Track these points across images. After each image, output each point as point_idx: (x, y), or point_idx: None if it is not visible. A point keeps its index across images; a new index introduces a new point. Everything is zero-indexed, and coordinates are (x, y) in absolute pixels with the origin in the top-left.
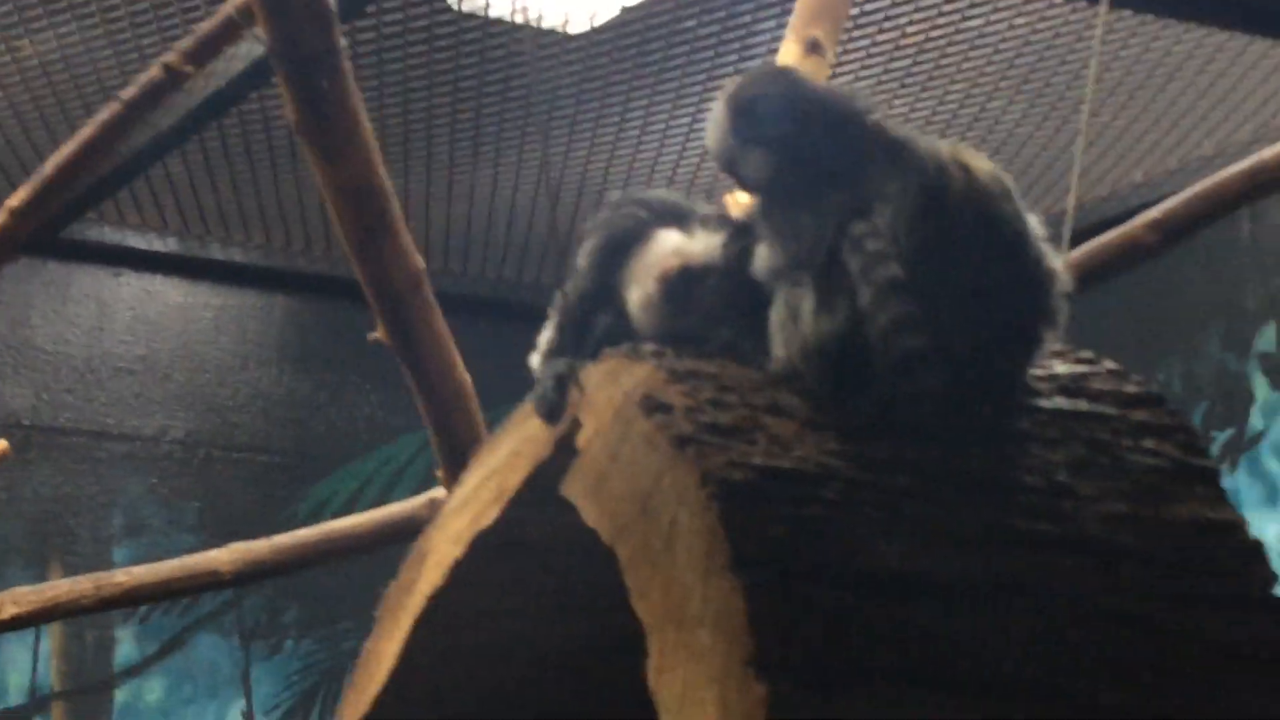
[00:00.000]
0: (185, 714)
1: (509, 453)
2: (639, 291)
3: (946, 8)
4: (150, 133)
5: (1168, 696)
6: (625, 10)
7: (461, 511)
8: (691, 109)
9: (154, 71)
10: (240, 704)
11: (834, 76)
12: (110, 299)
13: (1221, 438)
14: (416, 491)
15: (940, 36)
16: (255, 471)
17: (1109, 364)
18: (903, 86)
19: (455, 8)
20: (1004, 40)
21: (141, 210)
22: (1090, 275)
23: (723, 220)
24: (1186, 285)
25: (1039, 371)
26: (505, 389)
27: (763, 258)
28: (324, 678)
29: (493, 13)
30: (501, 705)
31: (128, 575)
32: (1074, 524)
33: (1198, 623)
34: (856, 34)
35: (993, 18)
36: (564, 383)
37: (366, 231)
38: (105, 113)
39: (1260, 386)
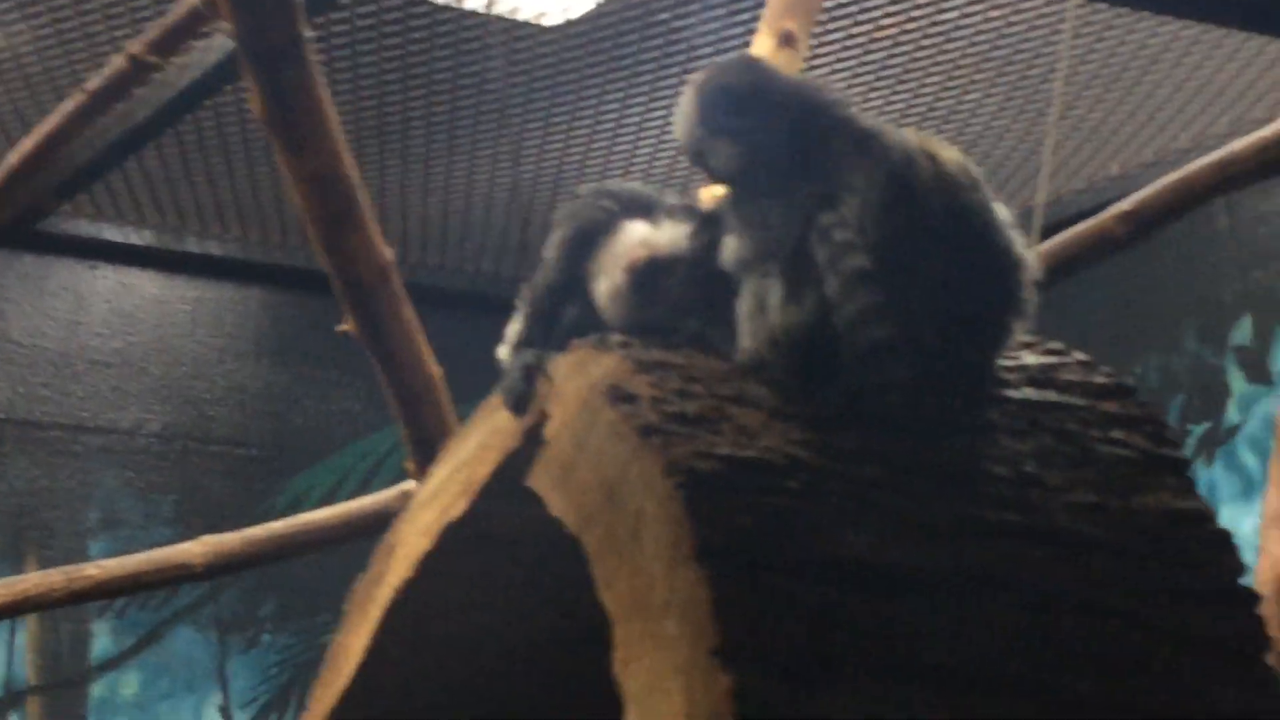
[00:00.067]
0: (162, 708)
1: (477, 445)
2: (607, 283)
3: (921, 0)
4: (126, 125)
5: (1138, 687)
6: (600, 3)
7: (430, 504)
8: (667, 102)
9: (119, 62)
10: (217, 698)
11: (809, 70)
12: (87, 292)
13: (1198, 431)
14: (394, 485)
15: (915, 29)
16: (232, 465)
17: (1078, 355)
18: (878, 79)
19: (430, 0)
20: (979, 33)
21: (118, 203)
22: (1061, 267)
23: (689, 211)
24: (1163, 279)
25: (1008, 362)
26: (483, 382)
27: (731, 248)
28: (301, 671)
29: (467, 5)
30: (471, 698)
31: (99, 568)
32: (1042, 515)
33: (1167, 613)
34: (831, 26)
35: (968, 10)
36: (532, 374)
37: (333, 222)
38: (70, 103)
39: (1236, 380)
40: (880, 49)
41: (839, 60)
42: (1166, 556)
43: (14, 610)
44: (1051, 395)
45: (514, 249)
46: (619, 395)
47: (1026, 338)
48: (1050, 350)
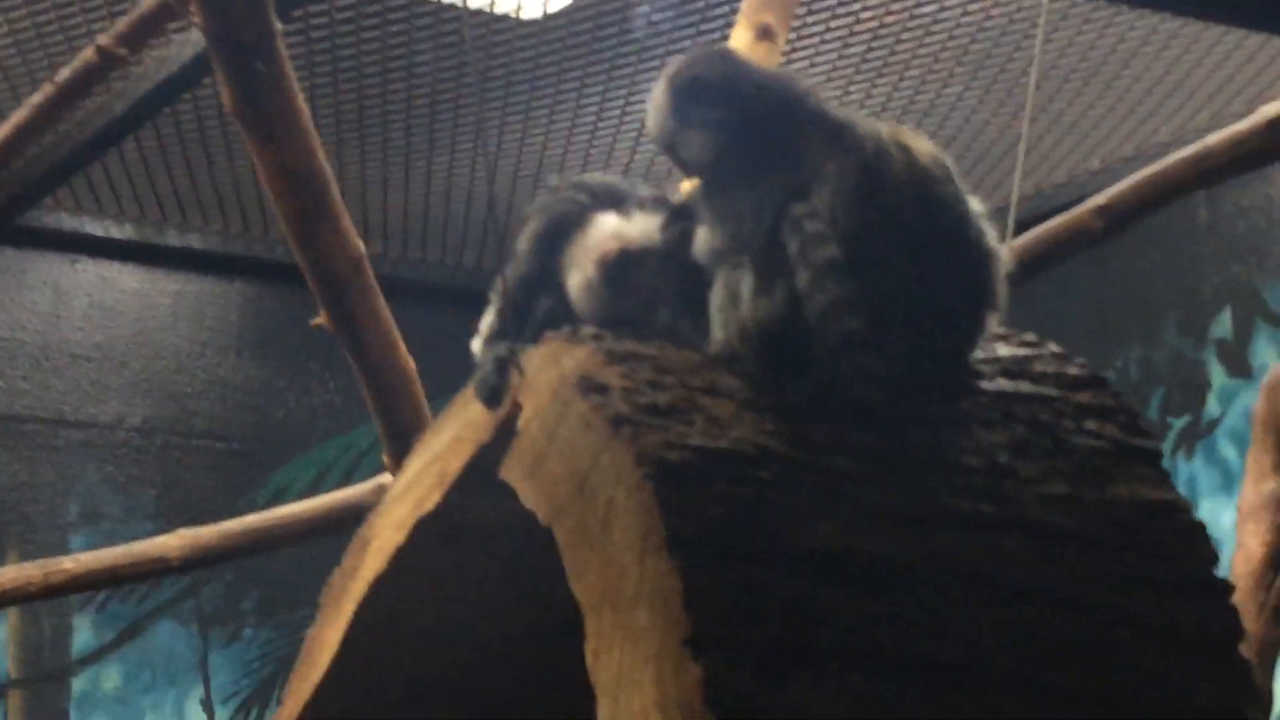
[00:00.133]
0: (143, 702)
1: (451, 438)
2: (579, 275)
3: None
4: (106, 119)
5: (1112, 678)
6: None
7: (404, 497)
8: (646, 95)
9: (88, 54)
10: (199, 692)
11: (788, 63)
12: (67, 286)
13: (1178, 424)
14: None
15: (894, 23)
16: (214, 459)
17: (1052, 347)
18: (857, 73)
19: None
20: (958, 26)
21: (98, 197)
22: (1037, 261)
23: (661, 202)
24: (1143, 272)
25: (982, 354)
26: (459, 375)
27: (703, 240)
28: (283, 665)
29: None
30: (446, 691)
31: (75, 562)
32: (1015, 506)
33: (1141, 604)
34: (810, 20)
35: (946, 3)
36: (505, 366)
37: (305, 215)
38: (38, 96)
39: (1216, 373)
40: (859, 43)
41: (817, 54)
42: (1140, 547)
43: None
44: (1025, 386)
45: (494, 243)
46: (590, 386)
47: (1001, 330)
48: (1024, 342)
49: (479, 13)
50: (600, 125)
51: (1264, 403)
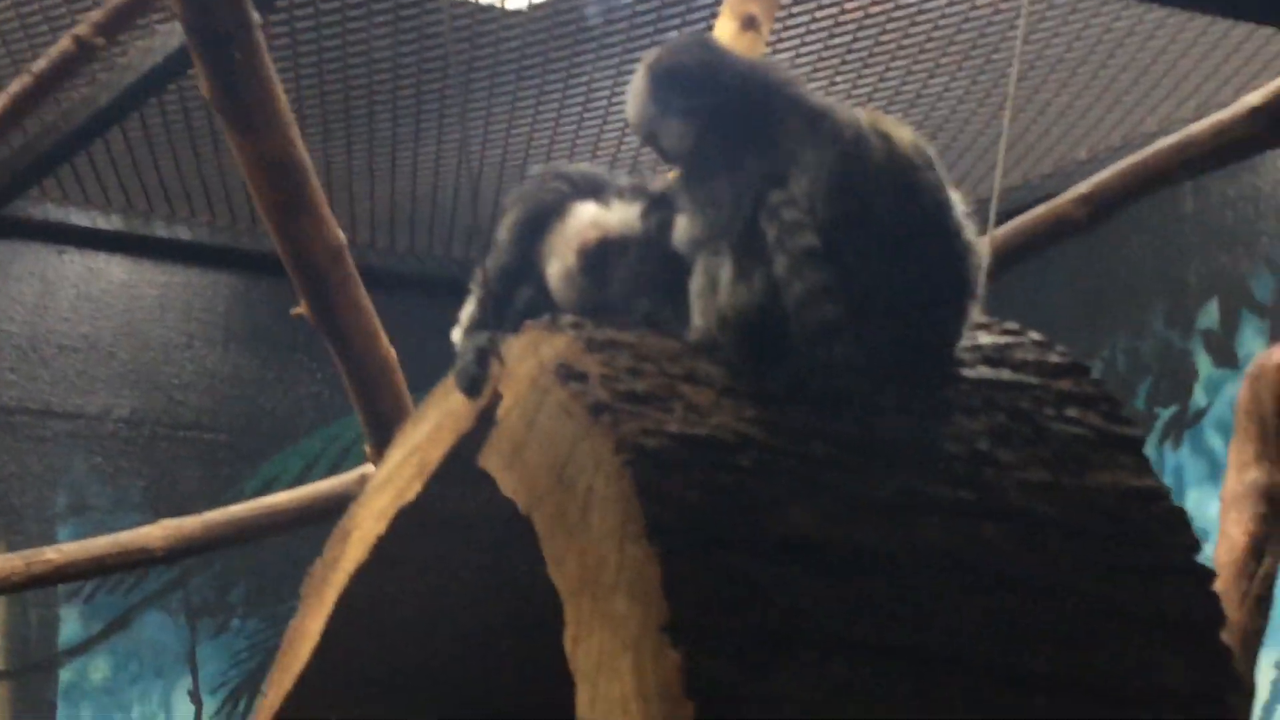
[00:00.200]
0: (131, 693)
1: (432, 427)
2: (558, 264)
3: None
4: (92, 109)
5: (1093, 664)
6: None
7: (385, 488)
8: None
9: (65, 44)
10: (186, 683)
11: (773, 54)
12: (54, 277)
13: (1165, 414)
14: None
15: (879, 13)
16: (201, 450)
17: (1033, 335)
18: (843, 63)
19: None
20: (944, 16)
21: (85, 188)
22: (1019, 250)
23: (640, 191)
24: (1130, 262)
25: (963, 342)
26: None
27: (682, 228)
28: (270, 656)
29: None
30: (429, 682)
31: (58, 552)
32: (996, 493)
33: (1122, 590)
34: (795, 9)
35: None
36: (485, 356)
37: (284, 205)
38: (15, 85)
39: (1203, 363)
40: (845, 33)
41: (803, 44)
42: (1121, 534)
43: None
44: (1006, 374)
45: (483, 232)
46: (569, 374)
47: (983, 319)
48: (1006, 330)
49: (464, 3)
50: (586, 116)
51: (1247, 392)
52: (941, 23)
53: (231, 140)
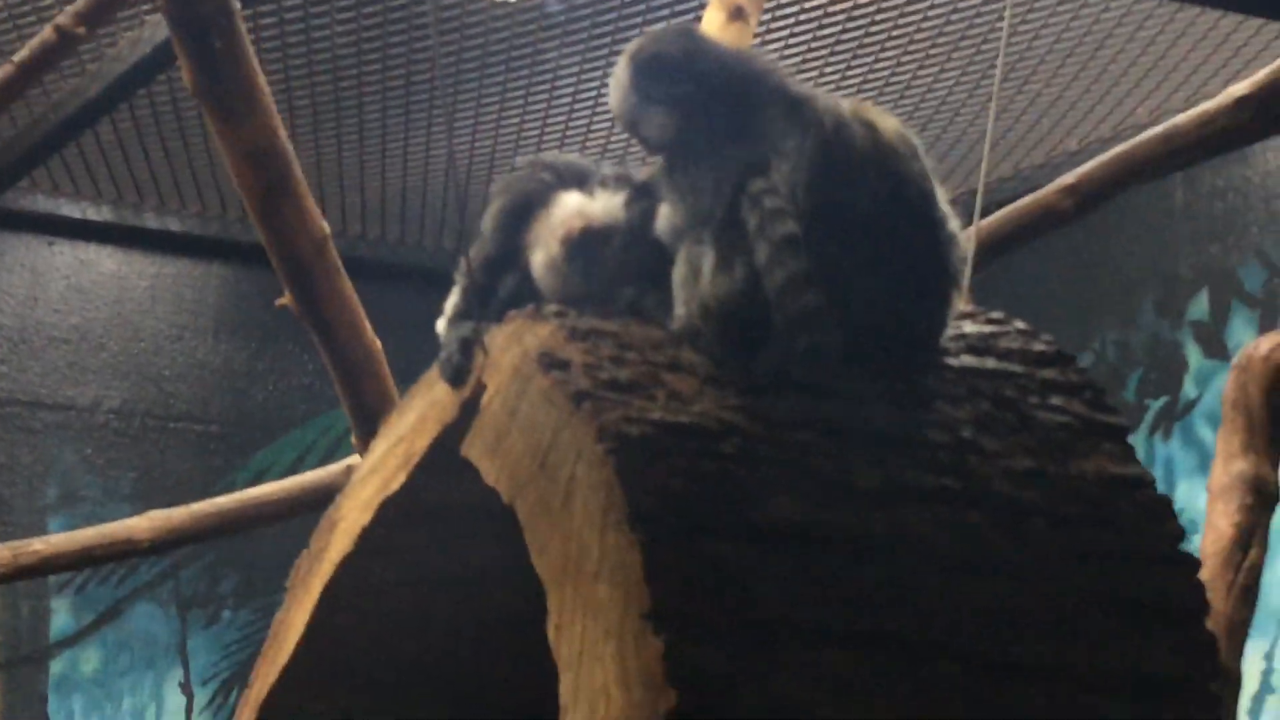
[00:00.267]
0: (122, 684)
1: (416, 418)
2: (543, 254)
3: None
4: (82, 99)
5: (1077, 651)
6: None
7: (370, 478)
8: None
9: (47, 33)
10: (177, 674)
11: (762, 44)
12: (44, 268)
13: (1155, 406)
14: None
15: (868, 3)
16: (192, 441)
17: (1018, 324)
18: (832, 54)
19: None
20: (933, 7)
21: (75, 179)
22: (1006, 241)
23: (624, 180)
24: (1120, 253)
25: (948, 332)
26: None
27: (665, 217)
28: (261, 648)
29: None
30: (415, 672)
31: (45, 543)
32: (979, 480)
33: (1105, 578)
34: (784, 0)
35: None
36: (469, 346)
37: (267, 195)
38: None
39: (1193, 354)
40: (834, 23)
41: (792, 34)
42: (1104, 521)
43: None
44: (990, 363)
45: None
46: (551, 362)
47: (968, 308)
48: (990, 319)
49: None
50: (576, 106)
51: (1234, 383)
52: (931, 13)
53: (213, 129)
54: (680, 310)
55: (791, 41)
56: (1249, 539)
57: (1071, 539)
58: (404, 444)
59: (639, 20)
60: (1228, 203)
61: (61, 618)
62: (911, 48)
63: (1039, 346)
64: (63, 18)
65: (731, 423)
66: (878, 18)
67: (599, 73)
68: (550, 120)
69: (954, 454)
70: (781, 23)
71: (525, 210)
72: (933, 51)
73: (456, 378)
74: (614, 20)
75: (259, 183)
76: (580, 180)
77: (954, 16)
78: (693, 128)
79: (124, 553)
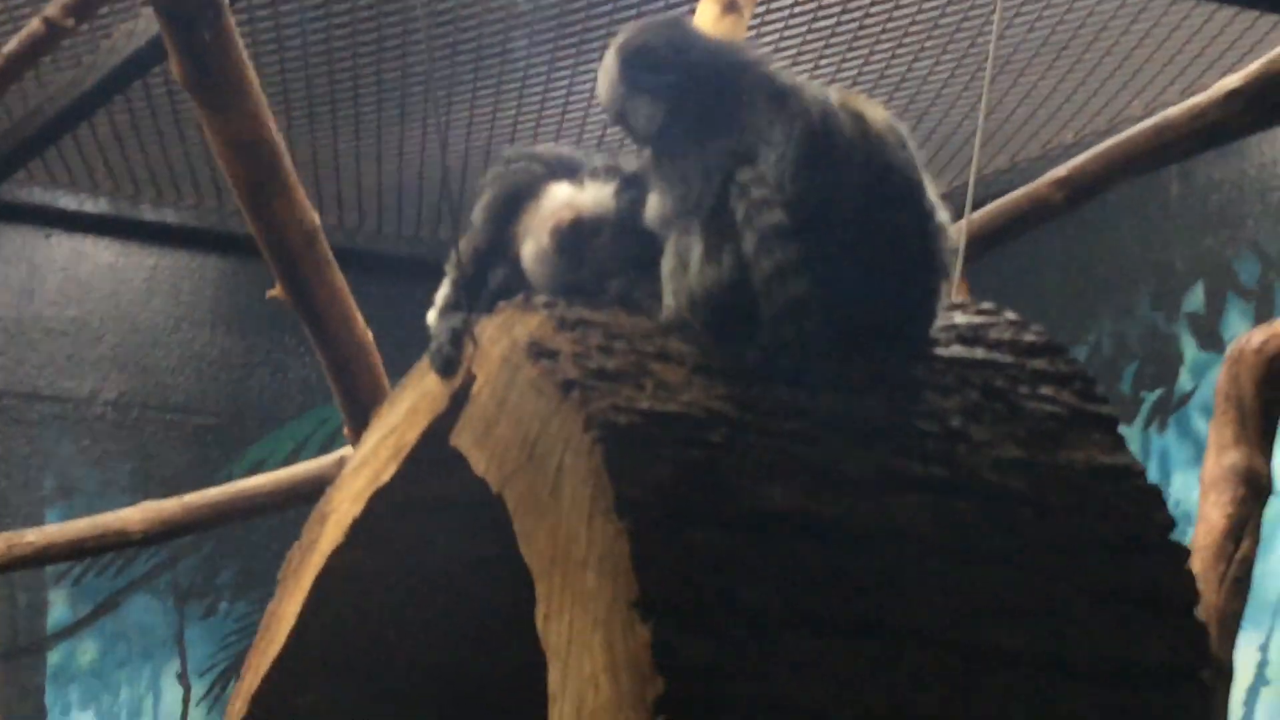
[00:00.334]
0: (119, 676)
1: (407, 409)
2: (533, 245)
3: None
4: (78, 91)
5: (1065, 640)
6: None
7: (361, 470)
8: None
9: (34, 25)
10: (175, 666)
11: (757, 37)
12: (41, 260)
13: (1151, 398)
14: None
15: None
16: (189, 433)
17: (1009, 314)
18: (828, 46)
19: None
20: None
21: (72, 170)
22: (998, 233)
23: (613, 170)
24: (1116, 246)
25: (938, 322)
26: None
27: (653, 207)
28: None
29: None
30: (406, 664)
31: (38, 534)
32: (967, 469)
33: (1094, 567)
34: None
35: None
36: (459, 337)
37: (257, 186)
38: None
39: (1189, 347)
40: (828, 15)
41: (787, 27)
42: (1093, 510)
43: None
44: (980, 353)
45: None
46: (539, 352)
47: (959, 299)
48: (981, 310)
49: None
50: (571, 99)
51: (1226, 375)
52: (925, 6)
53: (202, 120)
54: (669, 301)
55: (786, 33)
56: (1241, 531)
57: (1060, 528)
58: (395, 435)
59: (634, 13)
60: (1223, 195)
61: (59, 609)
62: (906, 40)
63: (1029, 337)
64: (51, 10)
65: (719, 412)
66: (872, 10)
67: (595, 65)
68: (546, 112)
69: (943, 443)
70: (776, 15)
71: (515, 202)
72: (927, 45)
73: (446, 369)
74: (609, 12)
75: (248, 174)
76: (570, 171)
77: (949, 9)
78: (680, 118)
79: (116, 544)
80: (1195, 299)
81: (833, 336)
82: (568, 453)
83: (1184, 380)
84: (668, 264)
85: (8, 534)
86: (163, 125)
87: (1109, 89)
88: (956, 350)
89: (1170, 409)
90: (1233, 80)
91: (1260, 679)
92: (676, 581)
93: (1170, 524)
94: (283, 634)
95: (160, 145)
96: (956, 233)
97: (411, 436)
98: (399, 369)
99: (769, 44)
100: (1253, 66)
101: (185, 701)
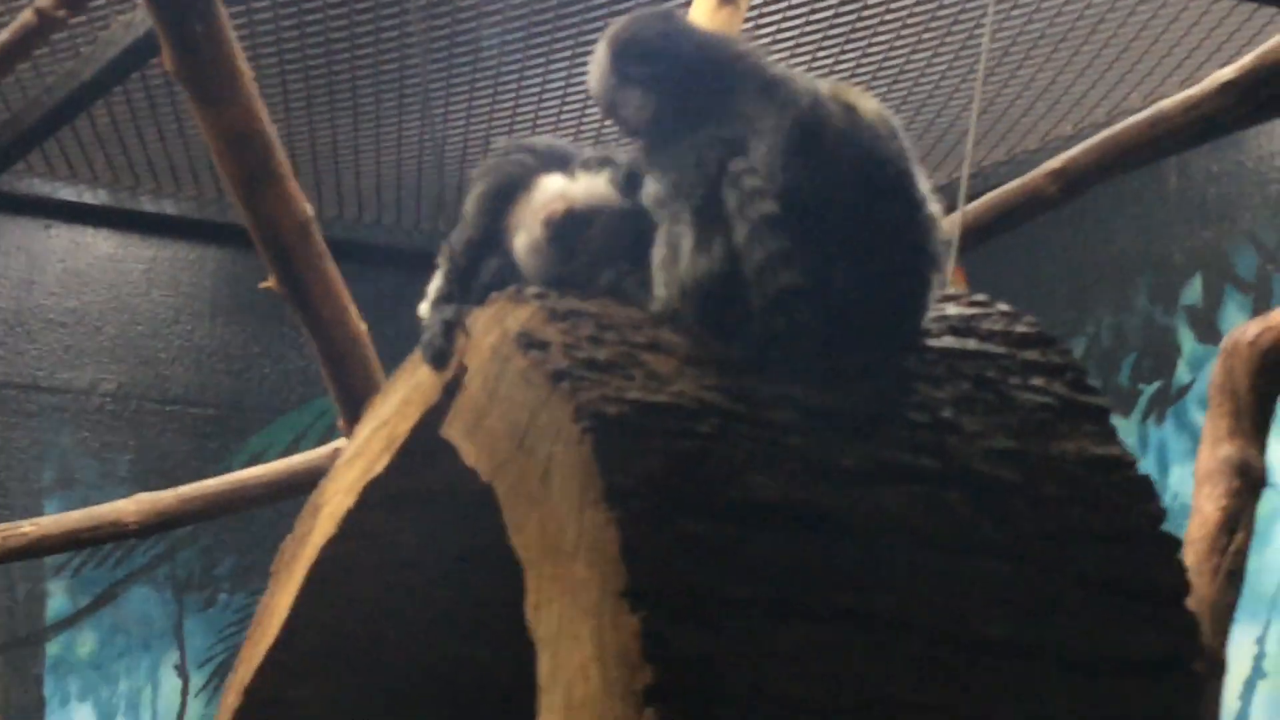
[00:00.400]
0: (118, 667)
1: (400, 401)
2: (525, 236)
3: None
4: (77, 82)
5: (1056, 631)
6: None
7: (354, 462)
8: None
9: (27, 16)
10: (173, 657)
11: (754, 30)
12: (40, 251)
13: (1149, 391)
14: None
15: None
16: (188, 424)
17: (1001, 306)
18: (825, 39)
19: None
20: None
21: (71, 162)
22: (992, 225)
23: (605, 161)
24: (1114, 238)
25: (930, 313)
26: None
27: (646, 196)
28: None
29: None
30: (399, 656)
31: (34, 525)
32: (958, 459)
33: (1085, 558)
34: None
35: None
36: (451, 329)
37: (249, 177)
38: None
39: (1187, 339)
40: (826, 8)
41: (785, 19)
42: (1084, 501)
43: None
44: (971, 344)
45: (453, 206)
46: (530, 342)
47: (951, 291)
48: (973, 302)
49: None
50: (569, 91)
51: (1221, 367)
52: None
53: (195, 113)
54: (660, 292)
55: (783, 26)
56: (1235, 523)
57: (1051, 519)
58: (388, 427)
59: (630, 4)
60: (1221, 188)
61: (58, 600)
62: (904, 33)
63: (1021, 328)
64: (43, 1)
65: (710, 402)
66: (870, 3)
67: (590, 56)
68: (543, 104)
69: (934, 434)
70: (773, 8)
71: (507, 193)
72: (925, 38)
73: (438, 360)
74: (606, 4)
75: (241, 167)
76: (562, 163)
77: (946, 1)
78: (670, 109)
79: (111, 535)
80: (1193, 291)
81: (824, 327)
82: (558, 443)
83: (1182, 373)
84: (659, 255)
85: (3, 525)
86: (162, 116)
87: (1107, 81)
88: (948, 341)
89: (1168, 401)
90: (1227, 72)
91: (1257, 672)
92: (666, 571)
93: (1162, 515)
94: (276, 626)
95: (159, 136)
96: (949, 224)
97: (404, 429)
98: (394, 360)
99: (766, 36)
100: (1247, 59)
101: (184, 693)
